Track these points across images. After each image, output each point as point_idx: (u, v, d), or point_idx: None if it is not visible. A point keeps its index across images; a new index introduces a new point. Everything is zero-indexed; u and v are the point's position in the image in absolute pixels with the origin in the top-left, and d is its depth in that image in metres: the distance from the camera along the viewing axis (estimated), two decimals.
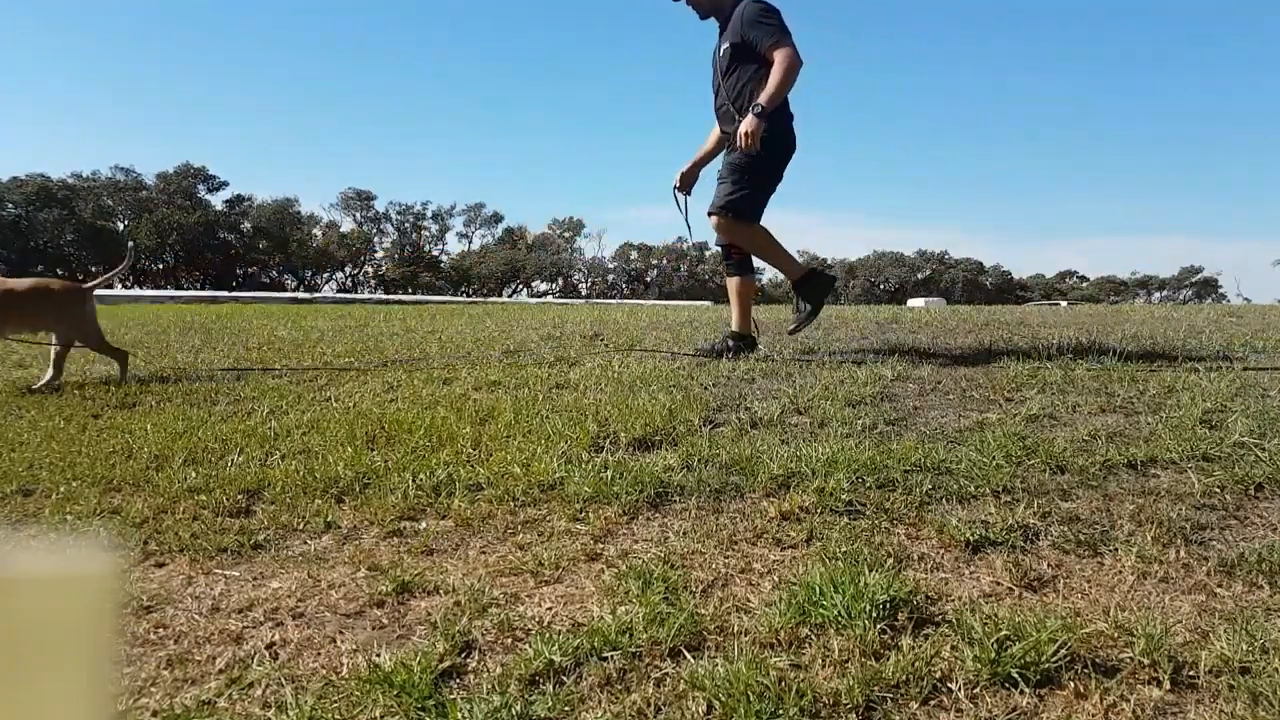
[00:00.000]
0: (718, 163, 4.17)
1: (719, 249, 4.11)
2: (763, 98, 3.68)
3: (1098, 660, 1.16)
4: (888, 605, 1.29)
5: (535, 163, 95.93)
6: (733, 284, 4.14)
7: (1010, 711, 1.07)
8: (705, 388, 3.32)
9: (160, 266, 48.78)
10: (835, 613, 1.28)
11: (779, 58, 3.70)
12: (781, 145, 3.92)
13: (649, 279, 56.17)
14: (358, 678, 1.18)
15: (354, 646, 1.29)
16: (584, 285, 58.81)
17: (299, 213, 52.61)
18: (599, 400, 3.04)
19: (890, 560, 1.53)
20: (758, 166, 3.87)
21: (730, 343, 4.09)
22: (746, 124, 3.68)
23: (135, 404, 3.32)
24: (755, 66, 3.81)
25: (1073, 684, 1.11)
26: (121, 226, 47.23)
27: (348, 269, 54.87)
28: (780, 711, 1.06)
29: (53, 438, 2.70)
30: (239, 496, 2.03)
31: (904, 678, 1.13)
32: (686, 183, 4.28)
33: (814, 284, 4.15)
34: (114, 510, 1.96)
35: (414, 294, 41.73)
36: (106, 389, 3.62)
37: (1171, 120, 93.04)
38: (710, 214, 3.93)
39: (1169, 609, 1.33)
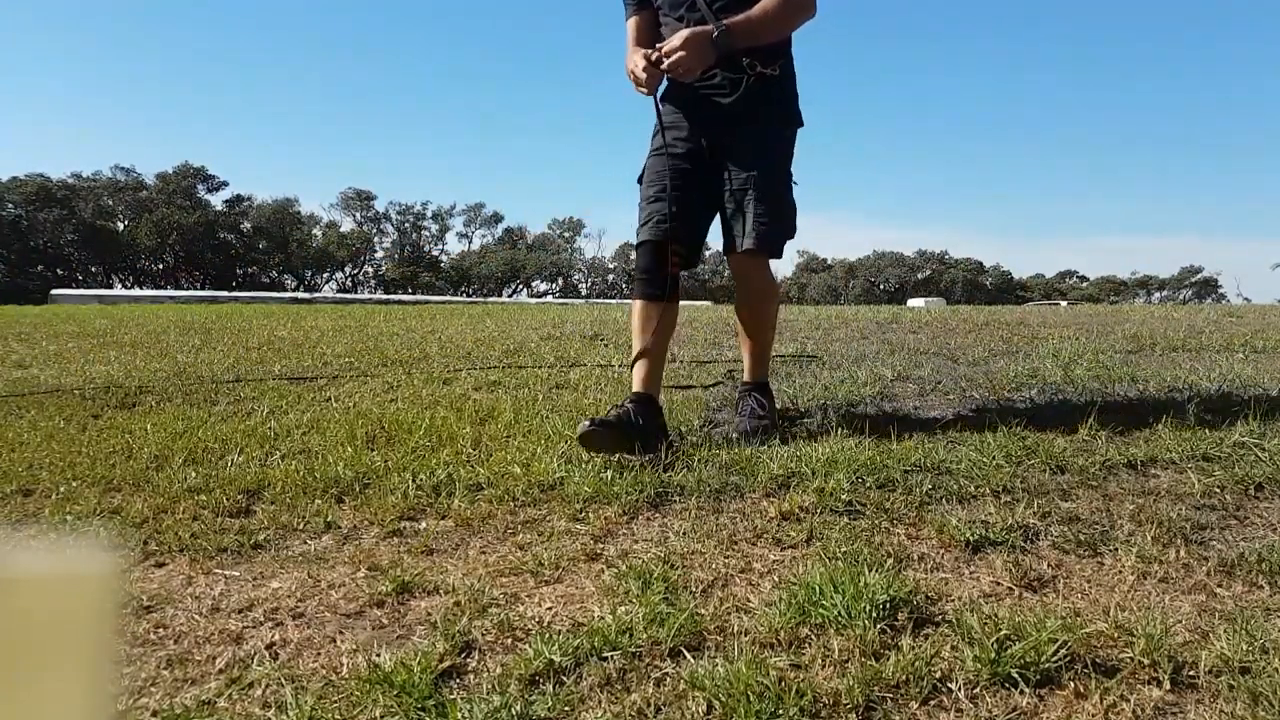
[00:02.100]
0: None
1: (637, 260, 2.60)
2: (737, 19, 2.36)
3: (1098, 660, 1.16)
4: (888, 605, 1.29)
5: (535, 163, 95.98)
6: (649, 311, 2.52)
7: (1010, 711, 1.07)
8: (705, 388, 3.32)
9: (160, 266, 48.78)
10: (835, 613, 1.28)
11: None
12: (796, 127, 2.63)
13: None
14: (358, 678, 1.18)
15: (354, 646, 1.29)
16: (584, 285, 58.81)
17: (299, 213, 52.62)
18: (599, 400, 3.04)
19: (890, 560, 1.53)
20: (788, 174, 2.58)
21: (630, 408, 2.35)
22: (692, 37, 2.32)
23: (135, 404, 3.32)
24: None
25: (1073, 684, 1.11)
26: (121, 226, 47.23)
27: (348, 269, 54.86)
28: (780, 711, 1.06)
29: (53, 438, 2.70)
30: (239, 496, 2.03)
31: (904, 678, 1.13)
32: (654, 81, 2.47)
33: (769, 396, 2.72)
34: (114, 510, 1.96)
35: (414, 294, 41.74)
36: (106, 389, 3.62)
37: (1172, 120, 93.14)
38: (742, 252, 2.48)
39: (1169, 609, 1.33)
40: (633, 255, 2.61)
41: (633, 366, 2.50)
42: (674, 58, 2.32)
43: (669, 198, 2.51)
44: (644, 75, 2.41)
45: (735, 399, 2.78)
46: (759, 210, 2.45)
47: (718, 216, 2.61)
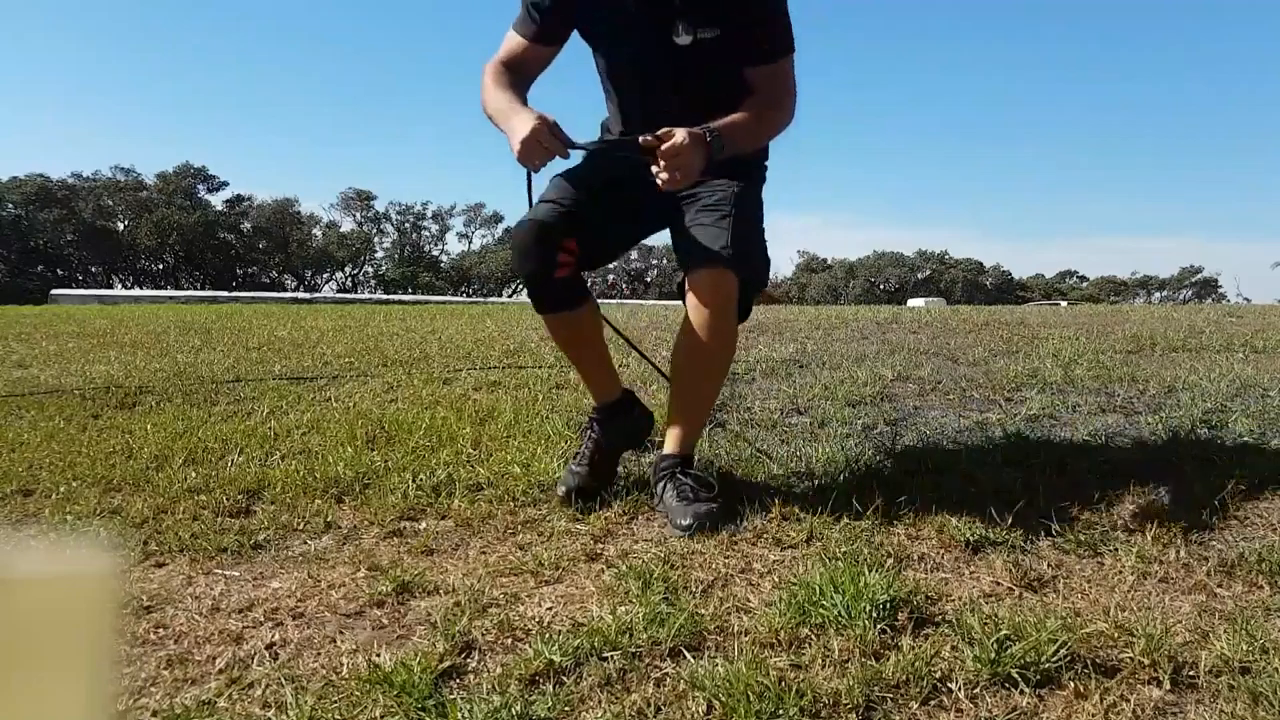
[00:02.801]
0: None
1: (513, 258, 2.03)
2: (726, 125, 1.83)
3: (1098, 660, 1.16)
4: (888, 605, 1.29)
5: None
6: (555, 324, 2.04)
7: (1010, 711, 1.07)
8: None
9: (160, 266, 48.80)
10: (835, 613, 1.28)
11: (781, 97, 1.97)
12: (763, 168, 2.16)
13: (649, 278, 56.16)
14: (358, 678, 1.18)
15: (354, 646, 1.29)
16: None
17: (299, 213, 52.65)
18: None
19: (890, 560, 1.53)
20: (761, 213, 2.07)
21: (596, 426, 2.06)
22: (694, 138, 1.73)
23: (135, 404, 3.32)
24: (734, 77, 1.95)
25: (1073, 684, 1.11)
26: (121, 226, 47.27)
27: (348, 269, 54.87)
28: (780, 711, 1.06)
29: (53, 438, 2.70)
30: (239, 496, 2.03)
31: (904, 678, 1.13)
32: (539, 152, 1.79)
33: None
34: (114, 510, 1.96)
35: (414, 294, 41.72)
36: (106, 389, 3.62)
37: (1172, 120, 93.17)
38: (713, 267, 1.86)
39: (1169, 609, 1.33)
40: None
41: (580, 377, 2.17)
42: (677, 160, 1.71)
43: (573, 184, 1.99)
44: (544, 146, 1.75)
45: (653, 481, 1.94)
46: (736, 230, 1.87)
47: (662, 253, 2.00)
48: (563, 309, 1.99)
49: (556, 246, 1.89)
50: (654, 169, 1.74)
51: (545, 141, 1.75)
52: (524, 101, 1.90)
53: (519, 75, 1.99)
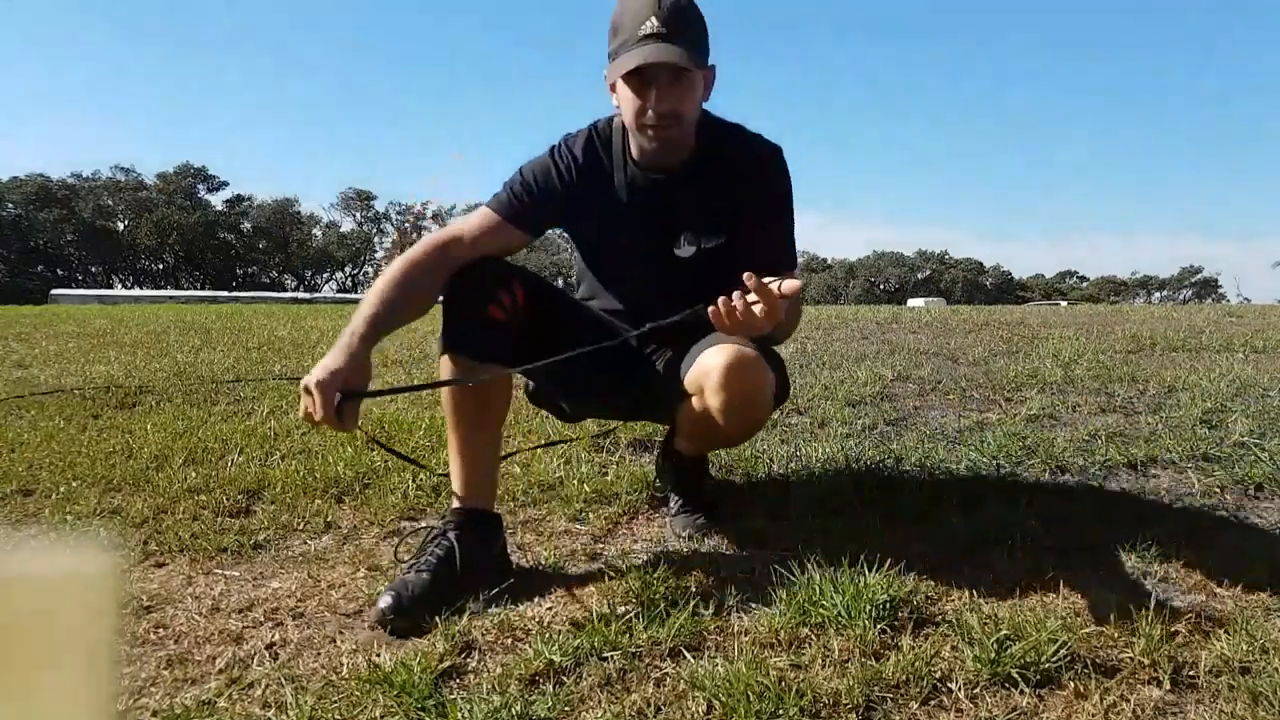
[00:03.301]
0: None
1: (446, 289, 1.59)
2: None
3: (1098, 660, 1.16)
4: (888, 605, 1.29)
5: None
6: (465, 373, 1.58)
7: (1010, 711, 1.07)
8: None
9: (160, 266, 48.81)
10: (835, 613, 1.28)
11: (794, 312, 1.62)
12: None
13: None
14: (358, 678, 1.18)
15: (354, 646, 1.29)
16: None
17: (299, 213, 52.67)
18: None
19: (890, 560, 1.53)
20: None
21: (452, 534, 1.53)
22: (773, 317, 1.31)
23: (135, 404, 3.32)
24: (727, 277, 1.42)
25: (1073, 684, 1.11)
26: (121, 226, 47.28)
27: (348, 269, 54.87)
28: (780, 711, 1.06)
29: (53, 438, 2.70)
30: (239, 496, 2.03)
31: (904, 678, 1.13)
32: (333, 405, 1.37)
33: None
34: (114, 510, 1.96)
35: None
36: (106, 389, 3.62)
37: (1172, 120, 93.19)
38: (744, 352, 1.55)
39: (1169, 609, 1.33)
40: None
41: (451, 462, 1.63)
42: (754, 321, 1.32)
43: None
44: (319, 407, 1.36)
45: (659, 463, 1.96)
46: (760, 346, 1.61)
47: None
48: (477, 356, 1.57)
49: (501, 284, 1.58)
50: (720, 306, 1.33)
51: (321, 408, 1.35)
52: (378, 329, 1.49)
53: (467, 256, 1.62)
